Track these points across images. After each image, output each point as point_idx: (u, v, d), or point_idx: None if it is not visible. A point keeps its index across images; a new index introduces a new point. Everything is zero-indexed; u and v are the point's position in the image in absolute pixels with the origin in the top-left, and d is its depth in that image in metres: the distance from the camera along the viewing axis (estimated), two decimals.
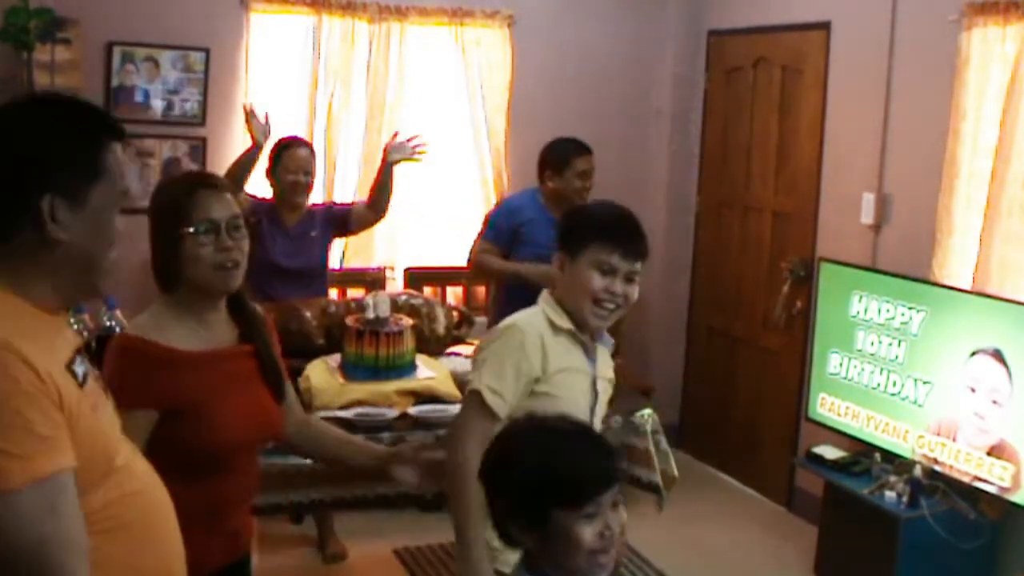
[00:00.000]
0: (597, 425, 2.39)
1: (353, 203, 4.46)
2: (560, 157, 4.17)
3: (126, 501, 1.57)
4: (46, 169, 1.48)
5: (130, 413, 1.80)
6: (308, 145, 4.20)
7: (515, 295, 4.36)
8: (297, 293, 3.97)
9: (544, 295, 2.42)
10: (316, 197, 4.90)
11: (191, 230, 2.06)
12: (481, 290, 5.36)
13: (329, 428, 2.51)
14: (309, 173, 4.11)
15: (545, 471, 1.65)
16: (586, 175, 4.16)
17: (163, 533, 1.66)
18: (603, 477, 1.65)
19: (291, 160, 4.05)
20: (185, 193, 2.10)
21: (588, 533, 1.63)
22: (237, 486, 2.18)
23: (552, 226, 4.11)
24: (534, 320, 2.34)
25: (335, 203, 4.49)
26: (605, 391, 2.45)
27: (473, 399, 2.24)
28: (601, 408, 2.44)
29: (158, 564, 1.62)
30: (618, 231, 2.41)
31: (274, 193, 4.15)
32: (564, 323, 2.33)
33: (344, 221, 4.26)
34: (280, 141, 4.16)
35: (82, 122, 1.56)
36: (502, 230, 4.21)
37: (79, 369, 1.52)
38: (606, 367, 2.46)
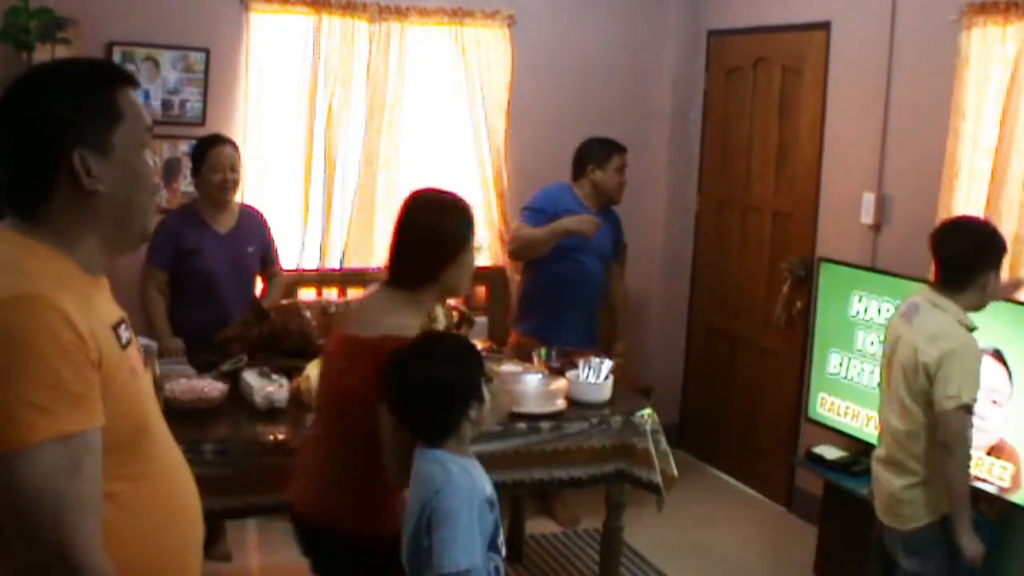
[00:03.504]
0: None
1: (277, 261, 4.30)
2: (604, 152, 4.45)
3: (154, 480, 1.58)
4: (68, 125, 1.52)
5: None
6: (232, 142, 4.12)
7: (541, 290, 4.43)
8: (232, 298, 3.96)
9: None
10: (316, 197, 4.93)
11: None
12: (481, 290, 5.36)
13: None
14: (235, 170, 4.05)
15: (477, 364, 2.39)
16: (623, 171, 4.47)
17: (186, 516, 1.67)
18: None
19: (217, 157, 3.98)
20: None
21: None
22: None
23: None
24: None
25: (271, 239, 4.27)
26: None
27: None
28: None
29: (178, 547, 1.63)
30: None
31: (201, 193, 4.07)
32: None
33: (264, 263, 4.21)
34: (203, 140, 4.10)
35: (89, 74, 1.59)
36: (546, 213, 4.34)
37: (124, 334, 1.56)
38: None
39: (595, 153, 4.45)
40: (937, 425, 2.97)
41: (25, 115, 1.53)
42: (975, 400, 2.96)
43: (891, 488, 3.13)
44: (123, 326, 1.59)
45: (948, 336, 2.98)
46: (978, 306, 3.08)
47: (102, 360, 1.46)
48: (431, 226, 2.53)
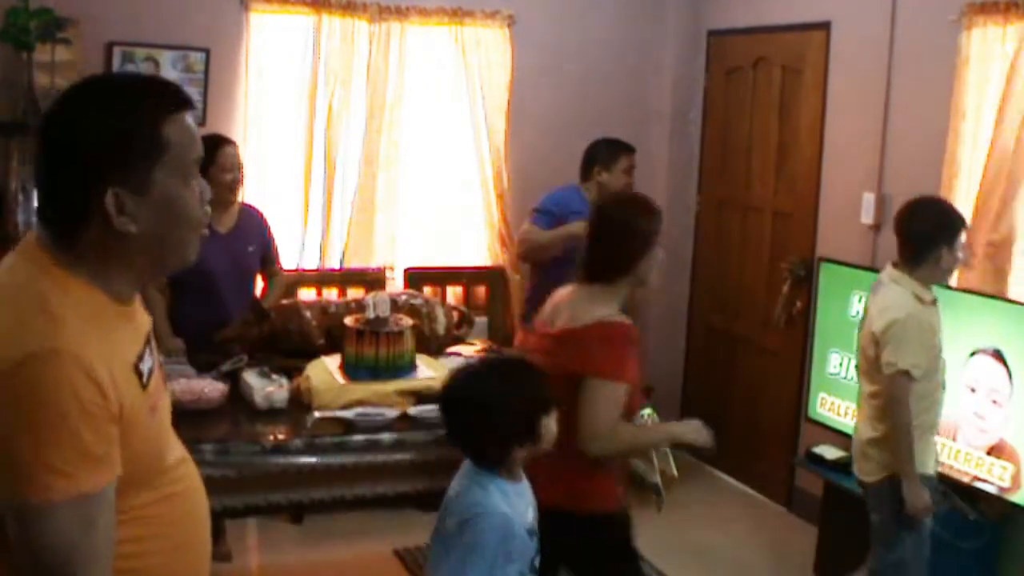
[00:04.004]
0: None
1: (277, 261, 4.28)
2: (611, 154, 4.48)
3: (171, 501, 1.57)
4: (106, 162, 1.43)
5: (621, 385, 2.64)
6: (233, 142, 4.09)
7: (548, 290, 4.42)
8: (232, 298, 3.96)
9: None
10: (316, 197, 4.93)
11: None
12: (481, 290, 5.36)
13: None
14: (240, 169, 4.03)
15: (533, 390, 2.31)
16: (631, 172, 4.49)
17: (198, 539, 1.65)
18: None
19: (225, 158, 3.96)
20: None
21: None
22: None
23: None
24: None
25: (272, 238, 4.25)
26: None
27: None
28: None
29: (189, 570, 1.62)
30: None
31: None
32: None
33: (264, 262, 4.21)
34: (208, 140, 4.06)
35: (139, 99, 1.48)
36: (553, 215, 4.40)
37: (145, 367, 1.51)
38: None
39: (602, 155, 4.47)
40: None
41: (65, 141, 1.44)
42: (916, 368, 3.16)
43: (859, 440, 3.42)
44: (147, 354, 1.53)
45: (896, 308, 3.21)
46: (934, 280, 3.31)
47: (123, 411, 1.42)
48: (625, 224, 2.81)
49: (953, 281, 3.83)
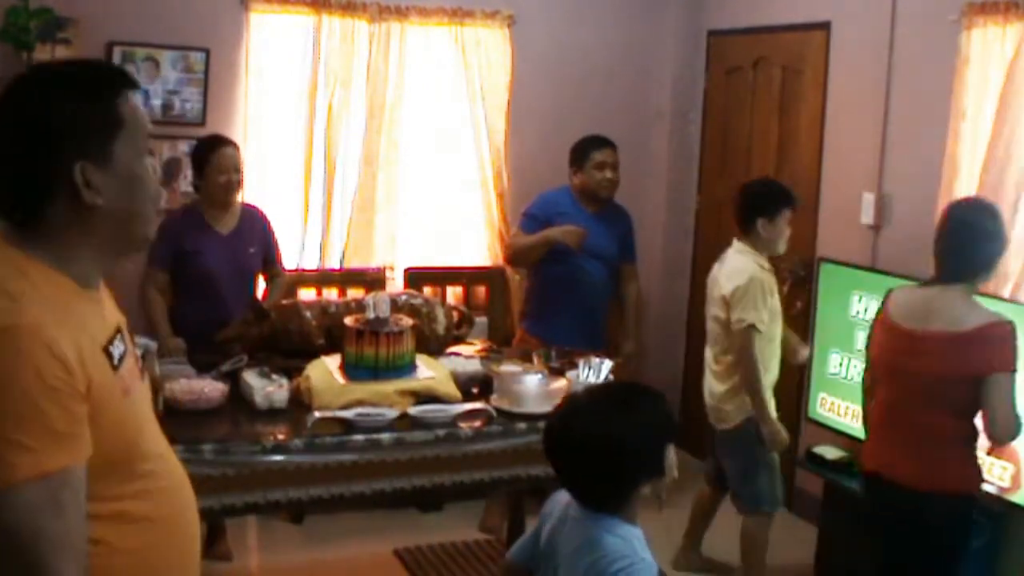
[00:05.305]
0: None
1: (279, 261, 4.30)
2: (580, 152, 4.46)
3: (154, 495, 1.55)
4: (68, 136, 1.46)
5: None
6: (233, 143, 4.10)
7: (540, 291, 4.47)
8: (232, 298, 3.96)
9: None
10: (316, 197, 4.93)
11: None
12: (481, 290, 5.36)
13: None
14: (239, 171, 4.04)
15: (660, 421, 2.01)
16: (605, 166, 4.42)
17: (183, 532, 1.64)
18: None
19: (222, 159, 3.97)
20: None
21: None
22: None
23: (585, 220, 4.33)
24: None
25: (274, 239, 4.27)
26: None
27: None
28: None
29: (175, 564, 1.61)
30: None
31: (204, 194, 4.05)
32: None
33: (266, 263, 4.22)
34: (206, 140, 4.08)
35: (91, 79, 1.53)
36: (538, 219, 4.44)
37: (116, 350, 1.51)
38: None
39: (573, 155, 4.49)
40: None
41: (23, 122, 1.47)
42: (762, 323, 3.71)
43: (714, 395, 3.93)
44: (117, 340, 1.53)
45: (740, 273, 3.76)
46: (766, 249, 3.85)
47: (91, 388, 1.41)
48: (980, 229, 3.05)
49: None
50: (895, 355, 3.11)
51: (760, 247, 3.84)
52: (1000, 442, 3.03)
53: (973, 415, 2.98)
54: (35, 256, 1.47)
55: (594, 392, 2.23)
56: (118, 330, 1.57)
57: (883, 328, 3.18)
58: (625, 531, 1.99)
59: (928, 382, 3.01)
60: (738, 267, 3.79)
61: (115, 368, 1.49)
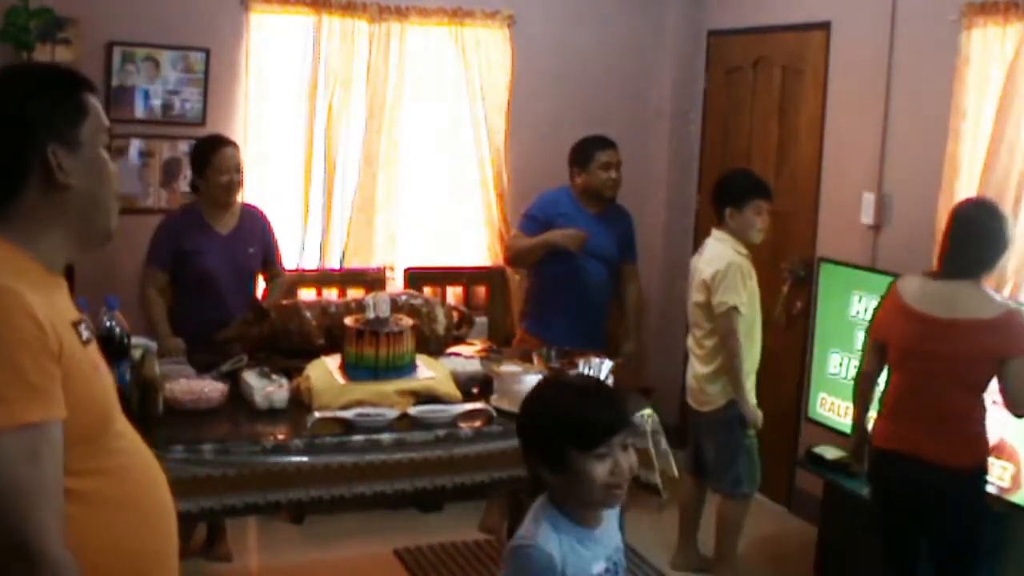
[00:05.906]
0: None
1: (279, 261, 4.31)
2: (583, 153, 4.45)
3: (121, 476, 1.59)
4: (42, 124, 1.58)
5: None
6: (234, 143, 4.10)
7: (540, 291, 4.47)
8: (232, 298, 3.96)
9: None
10: (316, 197, 4.93)
11: None
12: (481, 290, 5.36)
13: None
14: (239, 171, 4.03)
15: (560, 418, 1.90)
16: (609, 167, 4.43)
17: (158, 511, 1.67)
18: (611, 423, 1.90)
19: (223, 159, 3.97)
20: None
21: (600, 470, 1.86)
22: None
23: (586, 220, 4.34)
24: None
25: (274, 239, 4.27)
26: None
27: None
28: None
29: (150, 542, 1.63)
30: None
31: (204, 194, 4.04)
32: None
33: (266, 263, 4.22)
34: (206, 141, 4.08)
35: (58, 76, 1.68)
36: (538, 220, 4.45)
37: (84, 332, 1.58)
38: None
39: (576, 156, 4.47)
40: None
41: (5, 114, 1.58)
42: (743, 305, 3.86)
43: (696, 377, 4.07)
44: (83, 325, 1.60)
45: (719, 258, 3.91)
46: (740, 236, 3.97)
47: (63, 352, 1.48)
48: (989, 228, 3.21)
49: None
50: (919, 340, 3.23)
51: (734, 234, 3.99)
52: (1018, 413, 3.22)
53: (984, 393, 3.21)
54: (6, 237, 1.56)
55: (560, 379, 2.29)
56: (82, 320, 1.63)
57: (901, 315, 3.28)
58: (551, 520, 1.91)
59: (954, 364, 3.18)
60: (717, 253, 3.95)
61: (84, 344, 1.57)
